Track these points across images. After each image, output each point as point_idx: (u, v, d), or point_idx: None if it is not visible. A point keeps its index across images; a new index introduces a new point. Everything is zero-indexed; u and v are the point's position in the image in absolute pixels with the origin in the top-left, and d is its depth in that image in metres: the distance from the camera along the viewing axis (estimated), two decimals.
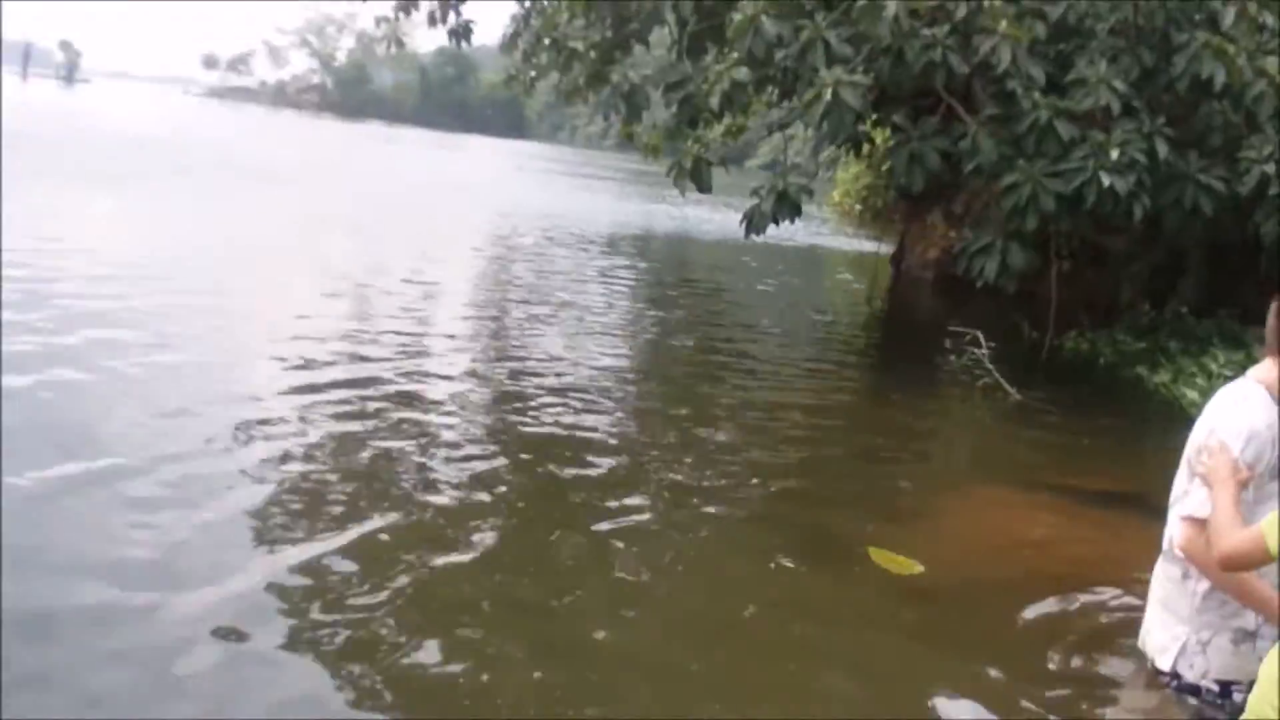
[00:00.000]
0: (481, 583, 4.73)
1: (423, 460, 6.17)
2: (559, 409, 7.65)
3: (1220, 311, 12.48)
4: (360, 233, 16.73)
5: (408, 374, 8.10)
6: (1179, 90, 11.49)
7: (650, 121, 14.96)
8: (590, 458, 6.60)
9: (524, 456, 6.55)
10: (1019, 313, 11.88)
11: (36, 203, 13.53)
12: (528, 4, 17.17)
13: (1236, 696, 3.78)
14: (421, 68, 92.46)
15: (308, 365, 7.93)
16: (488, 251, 16.99)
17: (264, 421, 6.47)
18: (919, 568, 5.16)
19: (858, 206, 27.12)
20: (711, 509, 5.94)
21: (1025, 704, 4.14)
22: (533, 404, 7.74)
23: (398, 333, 9.51)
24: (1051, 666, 4.48)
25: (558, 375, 8.74)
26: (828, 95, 11.23)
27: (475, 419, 7.28)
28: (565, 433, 7.09)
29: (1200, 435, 3.85)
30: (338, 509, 5.29)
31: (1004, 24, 11.16)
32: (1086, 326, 11.27)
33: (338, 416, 6.76)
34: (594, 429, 7.29)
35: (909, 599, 4.99)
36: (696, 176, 12.55)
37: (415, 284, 12.52)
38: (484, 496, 5.73)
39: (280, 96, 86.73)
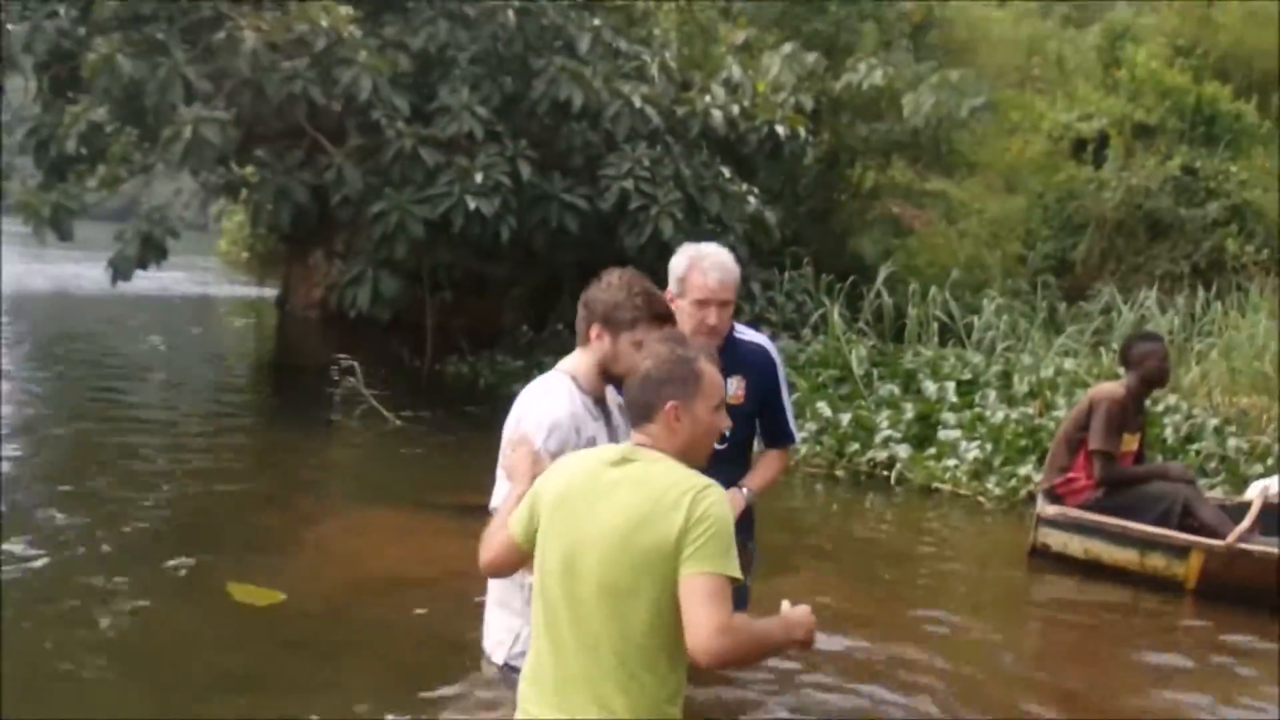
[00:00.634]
0: None
1: None
2: None
3: None
4: None
5: None
6: (540, 113, 11.85)
7: (19, 180, 13.73)
8: None
9: None
10: (402, 343, 11.83)
11: None
12: None
13: None
14: None
15: None
16: None
17: None
18: (280, 596, 5.15)
19: (244, 254, 26.64)
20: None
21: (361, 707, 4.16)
22: None
23: None
24: (400, 666, 4.52)
25: None
26: (187, 133, 10.69)
27: None
28: None
29: (507, 429, 3.76)
30: None
31: (364, 55, 11.03)
32: (467, 351, 11.37)
33: None
34: None
35: (271, 624, 5.00)
36: (56, 225, 11.66)
37: None
38: None
39: None
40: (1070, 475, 6.63)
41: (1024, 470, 8.31)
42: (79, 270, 20.85)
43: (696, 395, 3.10)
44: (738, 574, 2.95)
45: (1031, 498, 7.13)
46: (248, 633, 4.91)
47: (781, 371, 4.37)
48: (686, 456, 3.11)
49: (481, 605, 3.87)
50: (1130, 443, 6.61)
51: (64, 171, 12.00)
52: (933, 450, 8.88)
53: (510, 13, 11.75)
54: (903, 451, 8.87)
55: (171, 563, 5.83)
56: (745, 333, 4.38)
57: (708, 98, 12.50)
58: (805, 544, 7.21)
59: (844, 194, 15.60)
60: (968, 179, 16.47)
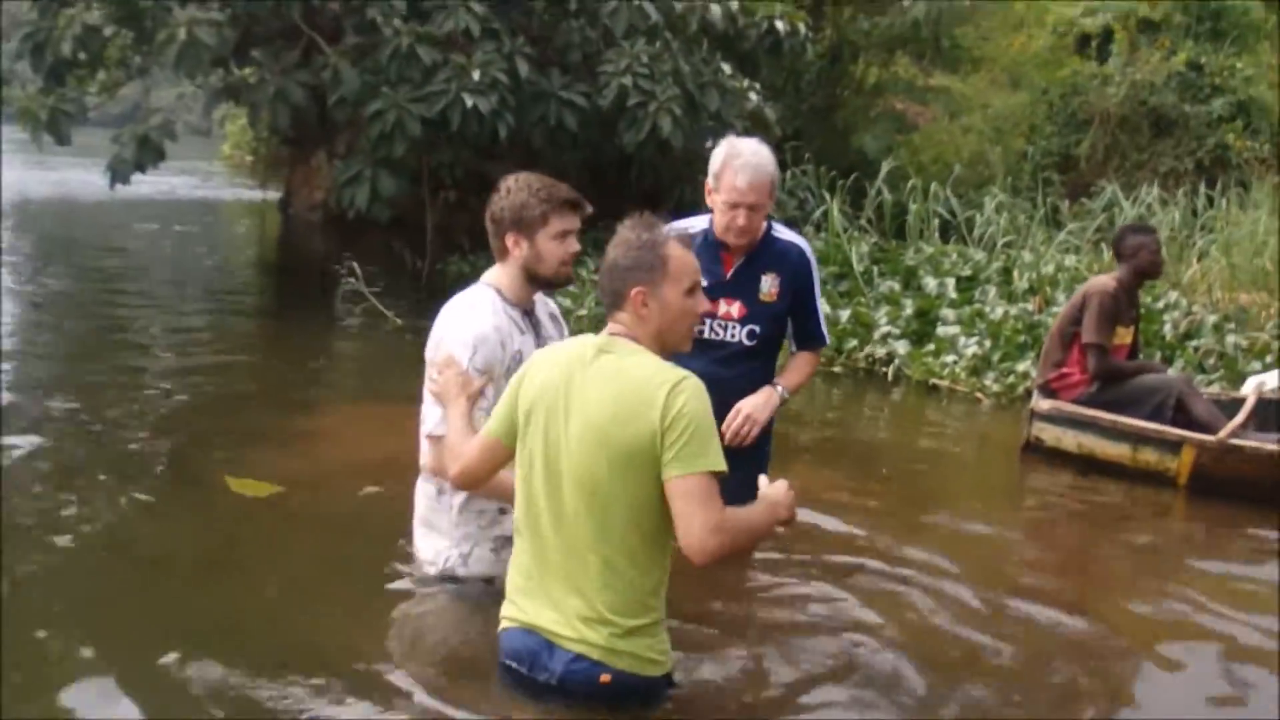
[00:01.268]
0: None
1: None
2: None
3: (599, 224, 12.90)
4: None
5: None
6: (537, 10, 11.70)
7: (19, 85, 13.58)
8: None
9: None
10: (404, 243, 11.81)
11: None
12: None
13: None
14: None
15: None
16: None
17: None
18: (277, 488, 5.18)
19: (249, 157, 26.47)
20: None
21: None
22: None
23: None
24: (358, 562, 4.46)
25: None
26: (181, 35, 10.58)
27: None
28: None
29: (429, 349, 3.74)
30: None
31: None
32: (468, 250, 11.34)
33: None
34: None
35: (264, 513, 5.04)
36: (54, 129, 11.57)
37: None
38: None
39: None
40: (1064, 370, 6.66)
41: (1022, 366, 8.35)
42: (82, 176, 20.74)
43: (664, 280, 3.09)
44: (722, 466, 2.97)
45: (1029, 394, 7.17)
46: (240, 521, 4.98)
47: (815, 272, 4.36)
48: (662, 343, 3.12)
49: None
50: (1124, 336, 6.63)
51: (62, 76, 11.83)
52: (931, 346, 8.91)
53: None
54: (901, 348, 8.91)
55: (166, 453, 5.93)
56: (783, 231, 4.35)
57: None
58: (802, 439, 7.27)
59: (847, 90, 15.45)
60: (971, 75, 16.31)
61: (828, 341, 4.53)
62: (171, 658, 3.56)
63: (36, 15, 12.18)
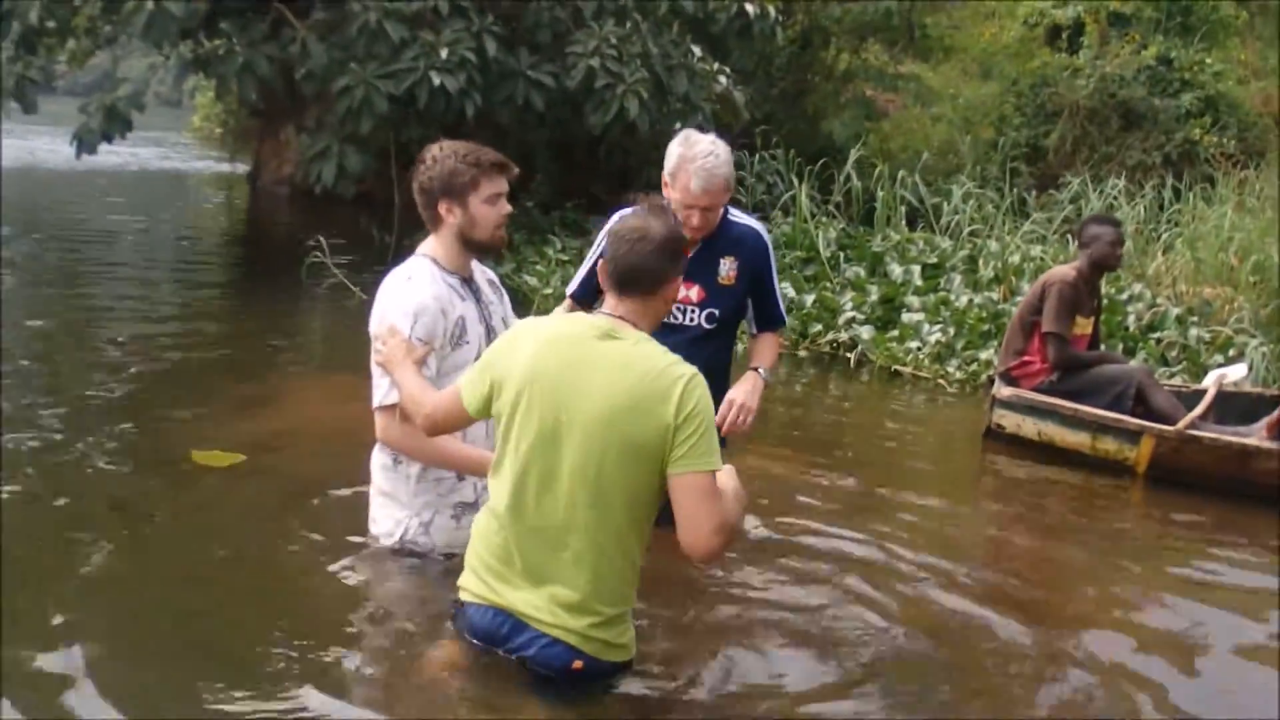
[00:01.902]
0: None
1: None
2: None
3: (567, 205, 12.90)
4: None
5: None
6: None
7: None
8: None
9: None
10: (371, 217, 11.73)
11: None
12: None
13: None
14: None
15: None
16: None
17: None
18: (240, 457, 5.19)
19: (218, 130, 26.30)
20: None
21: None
22: None
23: None
24: (306, 531, 4.46)
25: None
26: (149, 4, 10.49)
27: None
28: None
29: (373, 323, 3.73)
30: None
31: None
32: None
33: None
34: None
35: (225, 481, 5.04)
36: (21, 97, 11.48)
37: None
38: None
39: None
40: (1025, 358, 6.67)
41: (985, 354, 8.37)
42: (50, 145, 20.53)
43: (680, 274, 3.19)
44: (721, 466, 3.03)
45: (992, 381, 7.18)
46: (203, 492, 4.96)
47: (772, 255, 4.38)
48: (651, 330, 3.15)
49: None
50: (1084, 326, 6.64)
51: (32, 44, 11.70)
52: (896, 333, 8.92)
53: None
54: (865, 333, 8.91)
55: (128, 426, 5.85)
56: (739, 216, 4.37)
57: None
58: (764, 422, 7.24)
59: (817, 76, 15.43)
60: (942, 64, 16.32)
61: (787, 322, 4.52)
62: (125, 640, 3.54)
63: None
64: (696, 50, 12.18)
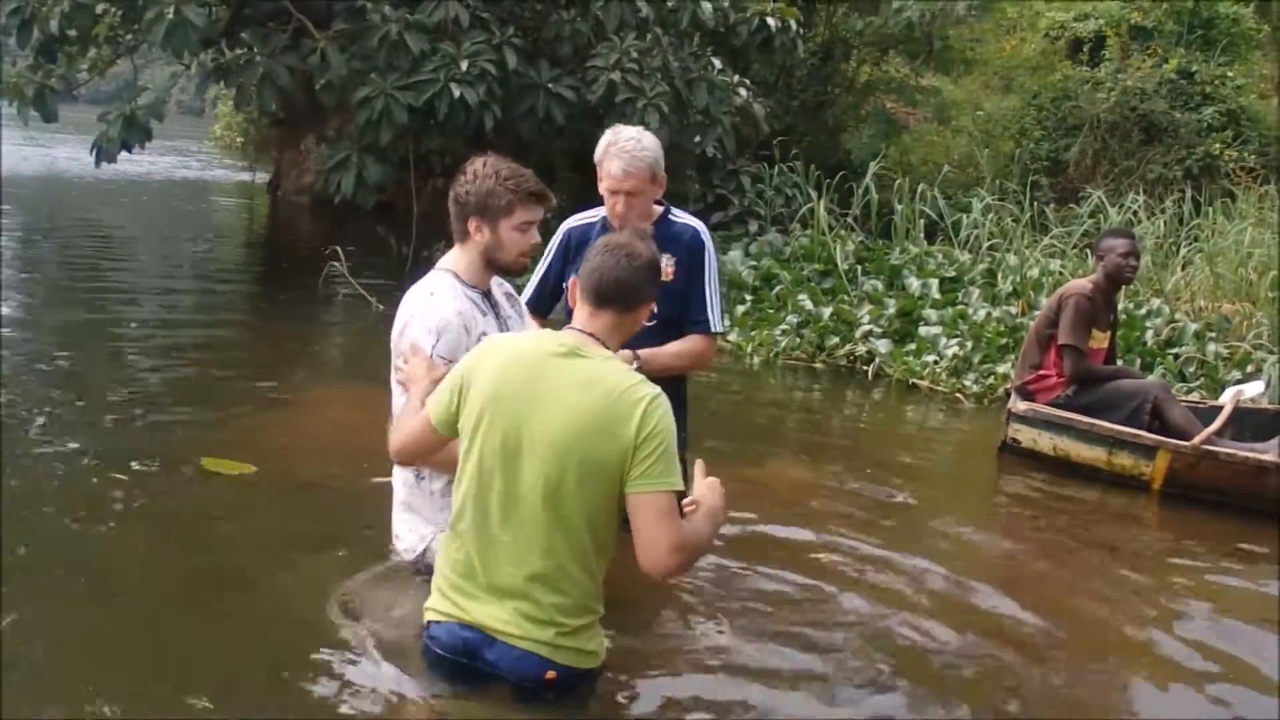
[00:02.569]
0: None
1: None
2: None
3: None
4: None
5: None
6: (529, 1, 11.65)
7: (10, 61, 13.50)
8: None
9: None
10: (390, 228, 11.78)
11: None
12: None
13: None
14: None
15: None
16: None
17: None
18: (250, 468, 5.26)
19: (239, 138, 26.55)
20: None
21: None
22: None
23: None
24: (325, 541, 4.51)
25: None
26: (170, 14, 10.52)
27: None
28: None
29: (394, 338, 3.72)
30: None
31: None
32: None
33: None
34: None
35: (239, 492, 5.10)
36: (41, 105, 11.51)
37: None
38: None
39: None
40: (1042, 372, 6.66)
41: (1003, 368, 8.35)
42: (72, 154, 20.71)
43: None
44: (682, 486, 3.03)
45: (1008, 395, 7.18)
46: (214, 502, 4.99)
47: (710, 255, 4.33)
48: (618, 349, 3.19)
49: None
50: (1100, 340, 6.63)
51: (53, 52, 11.79)
52: (913, 346, 8.91)
53: None
54: (882, 346, 8.91)
55: (142, 430, 5.94)
56: (680, 215, 4.38)
57: None
58: (781, 435, 7.29)
59: (838, 88, 15.44)
60: (963, 77, 16.30)
61: (718, 328, 4.41)
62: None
63: None
64: (717, 62, 12.20)
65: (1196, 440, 6.16)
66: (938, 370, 8.58)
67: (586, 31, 11.66)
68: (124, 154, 11.27)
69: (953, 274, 10.25)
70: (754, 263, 10.84)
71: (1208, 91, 14.37)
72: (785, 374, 8.81)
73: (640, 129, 4.23)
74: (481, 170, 3.65)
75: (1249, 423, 6.75)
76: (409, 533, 3.86)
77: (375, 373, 6.05)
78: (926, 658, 3.94)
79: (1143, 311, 9.19)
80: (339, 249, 9.88)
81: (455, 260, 3.75)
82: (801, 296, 9.73)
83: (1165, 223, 11.37)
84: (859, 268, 10.51)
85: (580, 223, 4.38)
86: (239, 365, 7.86)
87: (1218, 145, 13.69)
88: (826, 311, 9.42)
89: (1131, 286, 8.63)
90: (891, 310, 9.43)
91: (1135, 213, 11.76)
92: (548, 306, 4.37)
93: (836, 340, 9.11)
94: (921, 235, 11.67)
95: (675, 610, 4.14)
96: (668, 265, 4.23)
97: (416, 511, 3.84)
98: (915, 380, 8.56)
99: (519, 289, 4.13)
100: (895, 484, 6.25)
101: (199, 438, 5.81)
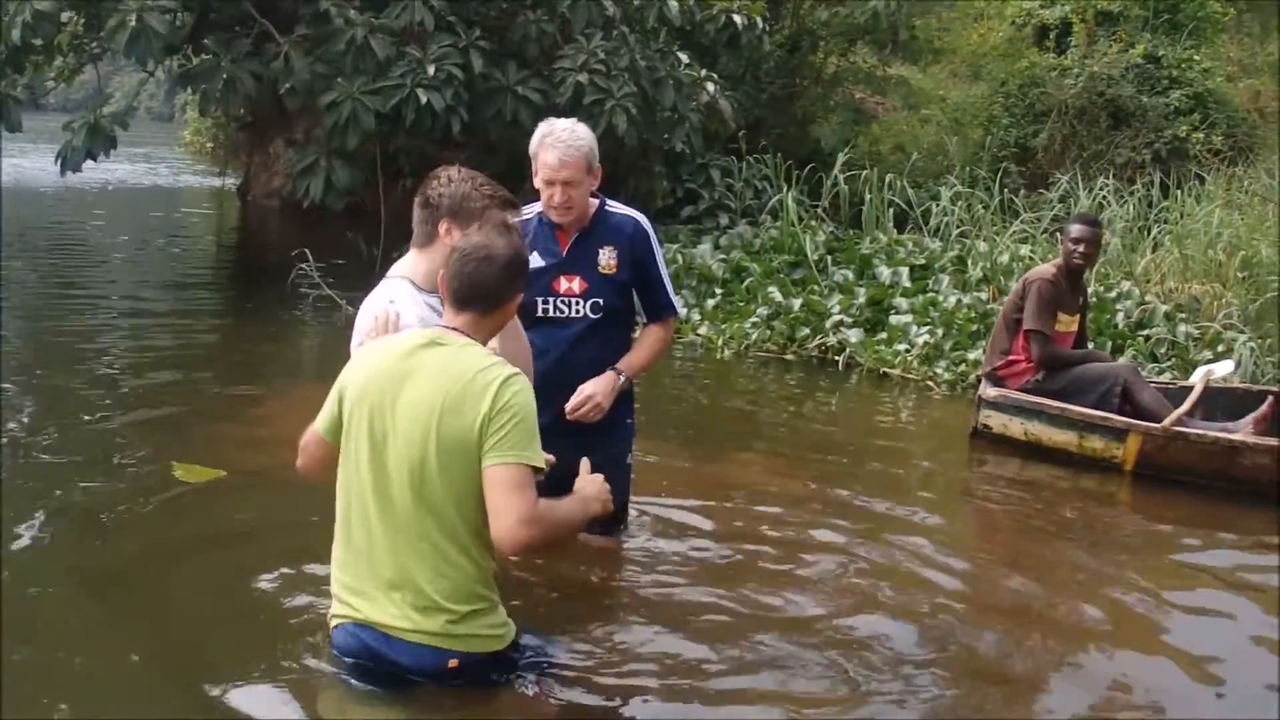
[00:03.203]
0: None
1: None
2: None
3: None
4: None
5: None
6: (494, 1, 11.61)
7: None
8: None
9: None
10: (359, 230, 11.73)
11: None
12: None
13: None
14: None
15: None
16: None
17: None
18: (220, 473, 5.29)
19: (208, 144, 26.45)
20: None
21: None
22: None
23: None
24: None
25: None
26: (132, 22, 10.46)
27: None
28: None
29: (354, 345, 3.70)
30: None
31: None
32: None
33: None
34: None
35: (205, 497, 5.13)
36: (4, 115, 11.50)
37: None
38: None
39: None
40: (1011, 358, 6.68)
41: (974, 355, 8.36)
42: (38, 163, 20.55)
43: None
44: (539, 463, 3.05)
45: (979, 381, 7.19)
46: (184, 505, 5.01)
47: (655, 243, 4.39)
48: (487, 340, 3.23)
49: None
50: (1068, 323, 6.65)
51: (19, 62, 11.71)
52: (884, 335, 8.92)
53: None
54: (853, 336, 8.91)
55: (111, 435, 5.95)
56: (617, 207, 4.40)
57: None
58: (753, 427, 7.28)
59: (806, 79, 15.43)
60: (931, 66, 16.33)
61: (679, 312, 4.49)
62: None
63: None
64: (684, 57, 12.19)
65: (1166, 422, 6.18)
66: (909, 358, 8.59)
67: (553, 32, 11.64)
68: (93, 161, 11.22)
69: (923, 262, 10.26)
70: (724, 256, 10.84)
71: (1175, 75, 14.40)
72: (756, 367, 8.81)
73: (574, 120, 4.25)
74: (456, 176, 3.70)
75: (1221, 402, 6.79)
76: None
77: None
78: (896, 647, 3.93)
79: (1113, 294, 9.22)
80: (308, 252, 9.83)
81: (411, 267, 3.74)
82: (771, 288, 9.73)
83: (1134, 206, 11.40)
84: (829, 258, 10.52)
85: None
86: (209, 370, 7.86)
87: (1185, 128, 13.73)
88: (797, 303, 9.42)
89: (1100, 270, 8.65)
90: (862, 299, 9.44)
91: (1105, 197, 11.79)
92: None
93: (807, 331, 9.12)
94: (891, 224, 11.68)
95: (636, 600, 4.12)
96: (609, 258, 4.26)
97: None
98: (887, 369, 8.57)
99: None
100: (867, 472, 6.26)
101: (168, 441, 5.81)
